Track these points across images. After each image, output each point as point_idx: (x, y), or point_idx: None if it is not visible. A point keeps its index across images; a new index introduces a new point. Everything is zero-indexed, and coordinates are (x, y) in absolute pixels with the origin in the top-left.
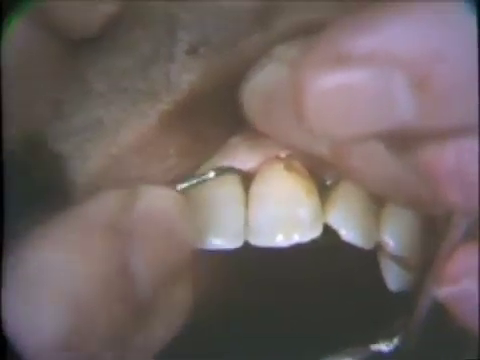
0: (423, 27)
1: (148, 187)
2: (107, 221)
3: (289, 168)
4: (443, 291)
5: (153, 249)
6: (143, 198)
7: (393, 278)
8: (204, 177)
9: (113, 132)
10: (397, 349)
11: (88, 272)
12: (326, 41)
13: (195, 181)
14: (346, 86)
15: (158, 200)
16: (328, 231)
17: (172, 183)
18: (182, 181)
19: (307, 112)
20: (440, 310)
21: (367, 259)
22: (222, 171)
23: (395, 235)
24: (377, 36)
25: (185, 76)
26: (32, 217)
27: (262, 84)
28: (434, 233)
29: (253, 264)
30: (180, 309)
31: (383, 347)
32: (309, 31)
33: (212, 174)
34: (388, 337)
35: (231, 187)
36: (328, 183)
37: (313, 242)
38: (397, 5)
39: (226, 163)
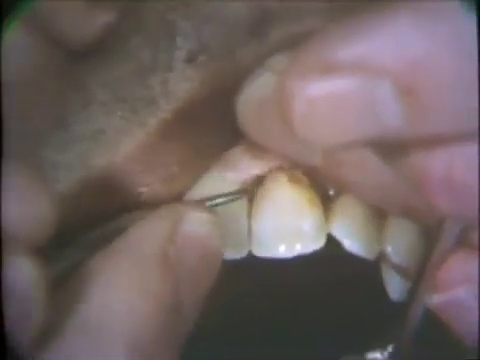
0: (408, 35)
1: (187, 211)
2: (158, 254)
3: (292, 179)
4: (434, 299)
5: (198, 275)
6: (185, 225)
7: (395, 288)
8: (215, 202)
9: (114, 141)
10: (392, 357)
11: (147, 310)
12: (312, 50)
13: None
14: (333, 94)
15: (199, 226)
16: (331, 241)
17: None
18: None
19: (295, 119)
20: (434, 317)
21: (367, 268)
22: (233, 197)
23: (398, 245)
24: (363, 45)
25: (184, 84)
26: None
27: (255, 94)
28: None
29: (256, 274)
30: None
31: (378, 355)
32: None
33: (221, 200)
34: (383, 345)
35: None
36: (331, 194)
37: (316, 252)
38: (382, 14)
39: (230, 175)
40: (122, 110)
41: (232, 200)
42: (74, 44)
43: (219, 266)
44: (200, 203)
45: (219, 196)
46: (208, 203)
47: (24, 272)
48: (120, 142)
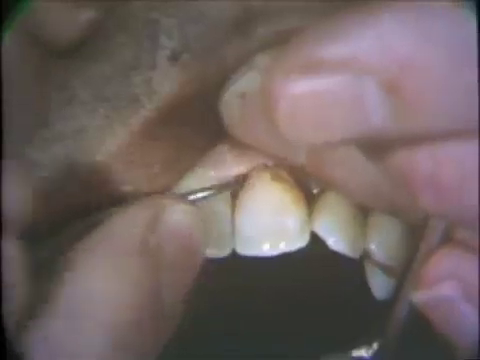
0: (394, 34)
1: (169, 202)
2: (138, 242)
3: (276, 177)
4: (419, 296)
5: (179, 265)
6: (167, 215)
7: (379, 286)
8: (200, 195)
9: (96, 140)
10: (377, 354)
11: (126, 299)
12: (298, 48)
13: (192, 198)
14: (318, 93)
15: (181, 216)
16: (315, 240)
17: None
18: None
19: (280, 118)
20: (420, 314)
21: (353, 266)
22: (218, 189)
23: (381, 243)
24: (348, 43)
25: (167, 83)
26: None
27: (240, 92)
28: (416, 239)
29: (240, 272)
30: (176, 316)
31: (363, 353)
32: (289, 39)
33: (206, 193)
34: (368, 343)
35: (219, 196)
36: (315, 192)
37: (300, 251)
38: (368, 12)
39: (213, 173)
40: (105, 109)
41: (215, 194)
42: (57, 42)
43: (201, 259)
44: (182, 196)
45: (202, 190)
46: (190, 197)
47: (10, 254)
48: (103, 141)
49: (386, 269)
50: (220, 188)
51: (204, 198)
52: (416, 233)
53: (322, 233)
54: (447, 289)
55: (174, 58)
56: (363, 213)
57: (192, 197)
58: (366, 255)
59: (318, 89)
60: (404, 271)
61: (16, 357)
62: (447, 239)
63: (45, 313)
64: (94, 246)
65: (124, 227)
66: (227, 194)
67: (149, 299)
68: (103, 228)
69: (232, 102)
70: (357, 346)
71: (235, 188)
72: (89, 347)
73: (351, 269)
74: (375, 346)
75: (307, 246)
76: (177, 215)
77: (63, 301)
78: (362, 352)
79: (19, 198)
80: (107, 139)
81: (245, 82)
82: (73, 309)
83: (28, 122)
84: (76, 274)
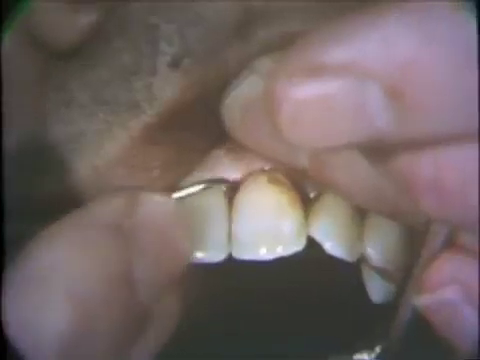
0: (397, 37)
1: (148, 193)
2: (112, 223)
3: (272, 181)
4: (422, 300)
5: (154, 255)
6: (144, 204)
7: (376, 289)
8: (193, 189)
9: (96, 144)
10: (379, 358)
11: (92, 273)
12: (300, 52)
13: (184, 193)
14: (321, 97)
15: (159, 206)
16: (312, 244)
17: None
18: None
19: (283, 122)
20: (422, 318)
21: (350, 269)
22: (211, 182)
23: (378, 247)
24: (351, 46)
25: (168, 89)
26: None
27: (242, 96)
28: (416, 243)
29: (237, 276)
30: (171, 320)
31: (365, 357)
32: (291, 43)
33: (200, 186)
34: (369, 346)
35: (215, 200)
36: (312, 196)
37: (296, 255)
38: (371, 15)
39: (210, 176)
40: (104, 112)
41: (205, 188)
42: (57, 45)
43: (182, 255)
44: (165, 190)
45: (193, 184)
46: (181, 192)
47: None
48: (102, 145)
49: (382, 273)
50: (213, 182)
51: (195, 193)
52: (416, 237)
53: (319, 237)
54: (449, 293)
55: (175, 64)
56: (360, 216)
57: (183, 192)
58: (363, 259)
59: (321, 93)
60: (406, 275)
61: (16, 357)
62: (449, 243)
63: (15, 280)
64: (65, 220)
65: (100, 208)
66: (223, 197)
67: (119, 279)
68: (79, 209)
69: (234, 107)
70: (358, 349)
71: (227, 184)
72: (55, 319)
73: (348, 272)
74: (377, 349)
75: (304, 250)
76: (154, 205)
77: (29, 268)
78: (364, 356)
79: None
80: (107, 144)
81: (247, 86)
82: (38, 278)
83: (25, 125)
84: (42, 243)
